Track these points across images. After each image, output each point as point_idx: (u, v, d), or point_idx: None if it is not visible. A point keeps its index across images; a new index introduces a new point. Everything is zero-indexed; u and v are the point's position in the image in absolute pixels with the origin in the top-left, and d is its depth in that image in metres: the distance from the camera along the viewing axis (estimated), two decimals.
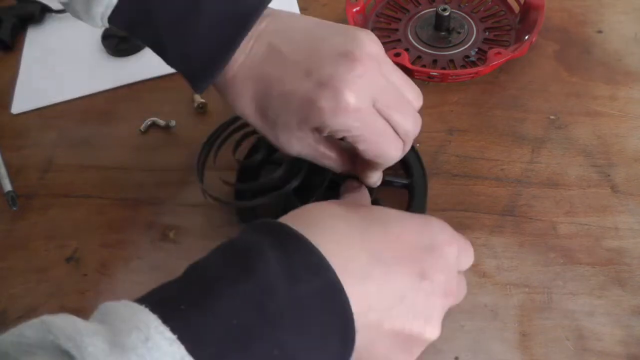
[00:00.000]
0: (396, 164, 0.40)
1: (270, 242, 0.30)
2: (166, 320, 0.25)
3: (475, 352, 0.41)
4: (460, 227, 0.47)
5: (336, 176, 0.44)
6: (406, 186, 0.49)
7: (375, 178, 0.42)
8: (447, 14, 0.59)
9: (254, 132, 0.47)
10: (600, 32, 0.59)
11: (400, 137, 0.38)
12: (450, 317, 0.43)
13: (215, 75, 0.38)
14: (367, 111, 0.35)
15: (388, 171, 0.43)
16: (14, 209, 0.54)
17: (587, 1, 0.62)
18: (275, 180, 0.44)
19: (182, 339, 0.25)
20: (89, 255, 0.50)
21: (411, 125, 0.38)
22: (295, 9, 0.66)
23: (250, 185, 0.49)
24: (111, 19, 0.39)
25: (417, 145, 0.51)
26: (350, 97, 0.34)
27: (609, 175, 0.49)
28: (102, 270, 0.49)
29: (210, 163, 0.49)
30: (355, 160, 0.41)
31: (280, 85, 0.37)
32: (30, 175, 0.57)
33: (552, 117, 0.53)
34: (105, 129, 0.59)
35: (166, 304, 0.26)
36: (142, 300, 0.26)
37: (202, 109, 0.58)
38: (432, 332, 0.33)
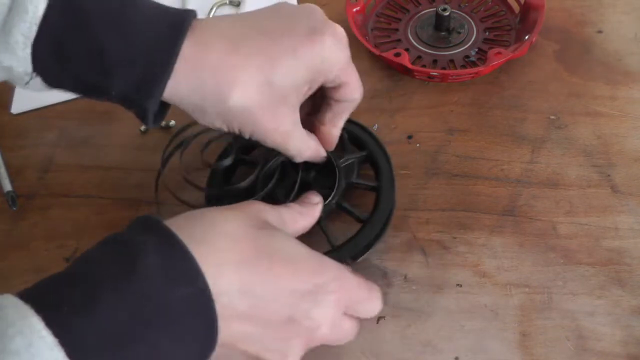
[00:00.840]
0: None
1: (154, 243, 0.32)
2: (49, 323, 0.27)
3: (475, 352, 0.41)
4: (460, 227, 0.47)
5: (302, 184, 0.45)
6: (374, 189, 0.48)
7: (340, 127, 0.44)
8: (447, 14, 0.59)
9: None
10: (600, 32, 0.59)
11: None
12: (450, 317, 0.43)
13: (174, 59, 0.36)
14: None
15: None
16: (14, 209, 0.54)
17: (587, 1, 0.62)
18: (243, 189, 0.45)
19: (63, 343, 0.27)
20: None
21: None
22: None
23: (220, 190, 0.49)
24: (38, 40, 0.35)
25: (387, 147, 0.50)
26: (339, 29, 0.39)
27: (609, 175, 0.49)
28: None
29: (176, 160, 0.48)
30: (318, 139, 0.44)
31: (284, 43, 0.38)
32: (30, 175, 0.57)
33: (552, 117, 0.53)
34: (105, 129, 0.59)
35: (51, 304, 0.28)
36: (30, 295, 0.29)
37: None
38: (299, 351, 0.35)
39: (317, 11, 0.40)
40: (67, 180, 0.56)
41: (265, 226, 0.36)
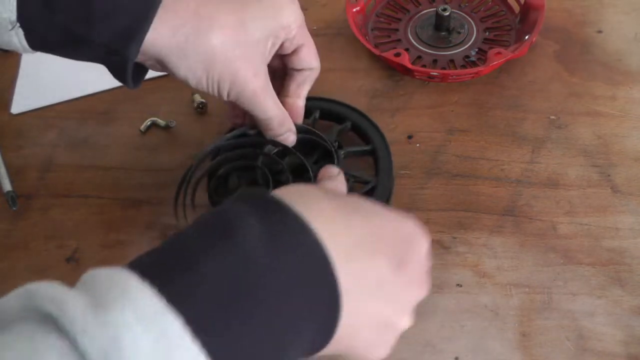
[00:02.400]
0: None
1: (256, 210, 0.31)
2: (145, 277, 0.25)
3: (475, 352, 0.41)
4: (460, 227, 0.47)
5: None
6: (372, 188, 0.48)
7: (303, 97, 0.47)
8: (447, 14, 0.59)
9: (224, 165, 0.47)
10: (600, 32, 0.59)
11: None
12: (450, 317, 0.43)
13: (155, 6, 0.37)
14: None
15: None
16: (14, 209, 0.54)
17: (587, 1, 0.62)
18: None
19: (162, 292, 0.25)
20: (89, 255, 0.50)
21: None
22: None
23: (222, 197, 0.48)
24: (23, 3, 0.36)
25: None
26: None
27: (609, 175, 0.49)
28: None
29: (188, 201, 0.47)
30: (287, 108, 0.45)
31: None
32: (30, 175, 0.57)
33: (552, 117, 0.53)
34: (105, 129, 0.59)
35: (145, 265, 0.27)
36: (122, 267, 0.27)
37: (202, 109, 0.58)
38: (406, 321, 0.35)
39: None
40: (67, 180, 0.56)
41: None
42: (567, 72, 0.57)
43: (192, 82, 0.40)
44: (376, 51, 0.57)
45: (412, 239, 0.36)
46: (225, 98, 0.42)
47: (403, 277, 0.34)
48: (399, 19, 0.63)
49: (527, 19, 0.59)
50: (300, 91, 0.46)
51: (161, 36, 0.38)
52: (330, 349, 0.33)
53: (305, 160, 0.45)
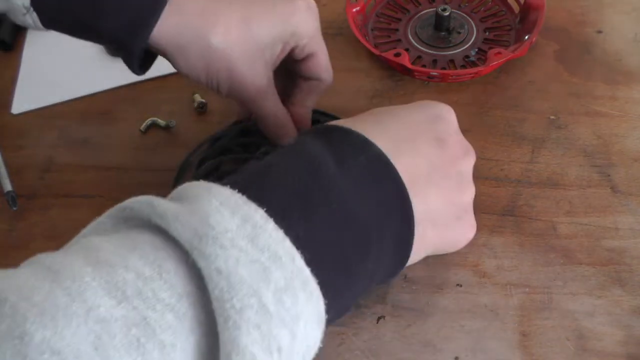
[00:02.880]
0: None
1: (311, 135, 0.34)
2: (230, 185, 0.27)
3: (475, 352, 0.41)
4: None
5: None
6: None
7: (309, 108, 0.47)
8: (447, 14, 0.59)
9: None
10: (600, 32, 0.59)
11: None
12: (450, 317, 0.43)
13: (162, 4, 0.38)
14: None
15: None
16: (14, 209, 0.54)
17: (587, 1, 0.62)
18: None
19: (243, 191, 0.27)
20: None
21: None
22: None
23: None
24: None
25: None
26: (314, 4, 0.42)
27: (609, 175, 0.49)
28: None
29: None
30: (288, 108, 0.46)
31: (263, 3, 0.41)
32: (30, 175, 0.57)
33: (552, 117, 0.53)
34: (105, 129, 0.59)
35: (227, 181, 0.29)
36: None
37: (202, 109, 0.58)
38: (470, 189, 0.39)
39: None
40: (67, 180, 0.56)
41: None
42: (567, 72, 0.57)
43: (192, 78, 0.41)
44: (376, 51, 0.57)
45: (439, 116, 0.39)
46: (224, 95, 0.42)
47: (448, 151, 0.37)
48: (399, 19, 0.63)
49: (527, 19, 0.59)
50: (305, 101, 0.46)
51: (164, 33, 0.39)
52: (419, 247, 0.36)
53: None
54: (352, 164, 0.32)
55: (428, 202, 0.35)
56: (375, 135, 0.35)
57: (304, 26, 0.42)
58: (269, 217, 0.26)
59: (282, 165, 0.31)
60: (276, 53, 0.42)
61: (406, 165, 0.34)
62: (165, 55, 0.41)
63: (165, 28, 0.38)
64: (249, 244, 0.25)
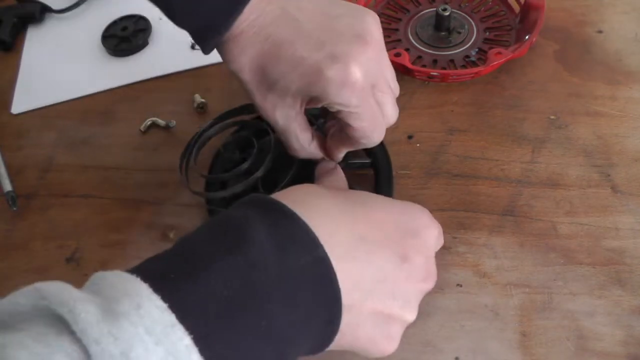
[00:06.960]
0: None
1: (261, 215, 0.31)
2: (156, 289, 0.26)
3: (475, 352, 0.41)
4: (460, 227, 0.47)
5: (302, 166, 0.45)
6: (371, 165, 0.49)
7: (341, 155, 0.44)
8: (447, 14, 0.59)
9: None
10: (600, 32, 0.59)
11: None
12: (450, 317, 0.43)
13: (223, 31, 0.38)
14: (367, 91, 0.37)
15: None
16: (14, 209, 0.54)
17: (587, 1, 0.62)
18: (243, 172, 0.45)
19: (172, 308, 0.25)
20: (89, 255, 0.50)
21: (394, 113, 0.41)
22: None
23: (219, 176, 0.50)
24: None
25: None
26: (359, 74, 0.36)
27: (609, 175, 0.49)
28: (102, 270, 0.49)
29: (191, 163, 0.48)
30: (320, 144, 0.43)
31: (291, 49, 0.37)
32: (30, 175, 0.57)
33: (552, 117, 0.53)
34: (105, 129, 0.59)
35: (156, 274, 0.27)
36: (132, 271, 0.27)
37: (202, 109, 0.58)
38: (411, 313, 0.35)
39: (371, 20, 0.38)
40: (67, 180, 0.56)
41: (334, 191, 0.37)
42: (567, 72, 0.57)
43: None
44: None
45: (418, 231, 0.36)
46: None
47: (407, 271, 0.34)
48: (399, 19, 0.63)
49: (527, 19, 0.59)
50: (341, 145, 0.42)
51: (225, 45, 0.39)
52: (335, 345, 0.33)
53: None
54: (294, 265, 0.30)
55: (361, 313, 0.33)
56: (337, 228, 0.33)
57: (334, 100, 0.37)
58: (194, 347, 0.25)
59: (219, 267, 0.28)
60: (297, 101, 0.39)
61: (353, 271, 0.32)
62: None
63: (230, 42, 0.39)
64: None
